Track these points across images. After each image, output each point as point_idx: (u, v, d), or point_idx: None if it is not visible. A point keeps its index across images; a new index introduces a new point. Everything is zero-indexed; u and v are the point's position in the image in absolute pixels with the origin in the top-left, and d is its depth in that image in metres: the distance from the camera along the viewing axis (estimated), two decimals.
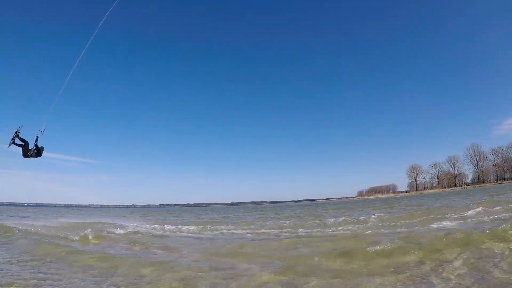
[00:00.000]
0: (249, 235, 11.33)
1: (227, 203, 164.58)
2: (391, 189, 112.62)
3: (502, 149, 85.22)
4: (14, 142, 9.09)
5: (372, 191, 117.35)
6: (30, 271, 5.83)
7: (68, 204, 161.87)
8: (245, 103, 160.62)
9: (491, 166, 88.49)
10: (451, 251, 5.56)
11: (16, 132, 9.07)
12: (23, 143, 9.12)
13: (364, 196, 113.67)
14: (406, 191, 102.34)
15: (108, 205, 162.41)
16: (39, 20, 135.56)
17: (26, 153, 9.09)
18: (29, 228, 13.58)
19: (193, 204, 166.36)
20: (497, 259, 4.83)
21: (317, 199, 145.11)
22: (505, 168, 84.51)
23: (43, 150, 9.12)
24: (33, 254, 7.86)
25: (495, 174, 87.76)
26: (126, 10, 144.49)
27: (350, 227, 11.00)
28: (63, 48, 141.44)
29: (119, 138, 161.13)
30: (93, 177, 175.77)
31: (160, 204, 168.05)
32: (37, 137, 9.08)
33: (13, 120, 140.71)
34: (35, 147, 9.08)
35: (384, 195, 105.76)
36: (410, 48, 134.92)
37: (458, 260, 5.03)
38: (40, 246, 9.10)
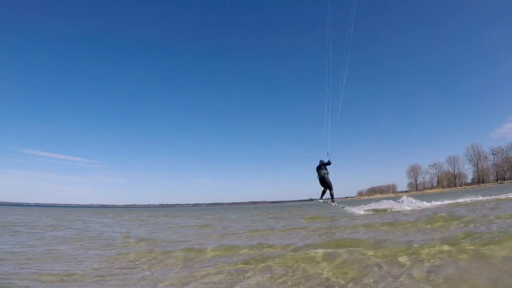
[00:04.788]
0: None
1: (227, 203, 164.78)
2: (391, 189, 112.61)
3: (502, 149, 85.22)
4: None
5: (372, 191, 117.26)
6: None
7: (68, 204, 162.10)
8: (245, 102, 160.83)
9: (491, 166, 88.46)
10: None
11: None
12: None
13: (364, 196, 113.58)
14: (406, 191, 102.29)
15: (108, 205, 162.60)
16: (40, 19, 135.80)
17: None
18: None
19: (193, 204, 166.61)
20: None
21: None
22: (505, 168, 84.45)
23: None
24: None
25: (495, 174, 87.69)
26: (127, 10, 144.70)
27: None
28: (61, 47, 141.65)
29: (119, 138, 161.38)
30: (93, 177, 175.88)
31: (160, 204, 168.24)
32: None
33: (13, 119, 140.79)
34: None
35: (384, 195, 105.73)
36: (410, 47, 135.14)
37: None
38: None
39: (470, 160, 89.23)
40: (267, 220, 13.94)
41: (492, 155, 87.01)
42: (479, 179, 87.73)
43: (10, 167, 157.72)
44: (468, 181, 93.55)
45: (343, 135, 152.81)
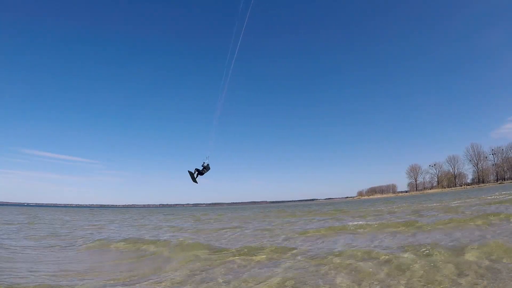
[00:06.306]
0: None
1: (227, 203, 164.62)
2: (391, 189, 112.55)
3: (502, 149, 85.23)
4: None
5: (372, 191, 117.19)
6: None
7: (68, 204, 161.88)
8: (244, 102, 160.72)
9: (491, 166, 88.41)
10: None
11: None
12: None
13: (364, 196, 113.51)
14: (406, 191, 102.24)
15: (108, 205, 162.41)
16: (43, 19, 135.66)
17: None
18: None
19: (193, 204, 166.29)
20: None
21: (317, 199, 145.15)
22: (505, 168, 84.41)
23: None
24: None
25: (495, 174, 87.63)
26: (126, 10, 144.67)
27: None
28: (62, 47, 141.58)
29: (119, 138, 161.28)
30: (93, 177, 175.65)
31: (160, 204, 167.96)
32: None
33: (14, 117, 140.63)
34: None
35: (384, 195, 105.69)
36: (411, 47, 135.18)
37: None
38: None
39: (470, 160, 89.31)
40: None
41: (492, 155, 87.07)
42: (479, 179, 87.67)
43: (10, 167, 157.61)
44: (468, 181, 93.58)
45: (343, 134, 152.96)
